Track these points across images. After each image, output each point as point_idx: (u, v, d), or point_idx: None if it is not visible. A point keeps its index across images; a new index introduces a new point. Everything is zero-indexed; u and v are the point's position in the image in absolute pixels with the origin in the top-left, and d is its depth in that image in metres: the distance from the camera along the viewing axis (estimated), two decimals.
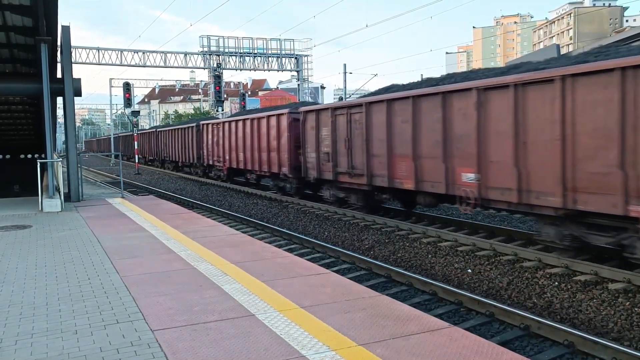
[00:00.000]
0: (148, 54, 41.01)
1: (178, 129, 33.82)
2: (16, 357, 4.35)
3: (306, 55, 43.60)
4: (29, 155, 35.21)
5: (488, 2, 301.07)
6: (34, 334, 4.86)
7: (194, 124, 30.24)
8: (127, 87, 39.20)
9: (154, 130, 42.69)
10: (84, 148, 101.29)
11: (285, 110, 18.52)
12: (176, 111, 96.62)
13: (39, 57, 13.78)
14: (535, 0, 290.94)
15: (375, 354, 4.27)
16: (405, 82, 14.80)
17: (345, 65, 44.08)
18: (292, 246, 12.04)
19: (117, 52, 40.12)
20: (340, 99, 43.41)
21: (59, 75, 16.73)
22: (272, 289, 6.08)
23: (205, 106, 78.41)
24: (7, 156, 35.49)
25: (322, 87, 60.69)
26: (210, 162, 26.89)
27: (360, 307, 5.40)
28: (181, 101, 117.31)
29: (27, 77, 17.79)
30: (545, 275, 8.69)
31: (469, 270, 9.47)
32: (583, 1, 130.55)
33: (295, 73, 45.22)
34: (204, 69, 42.24)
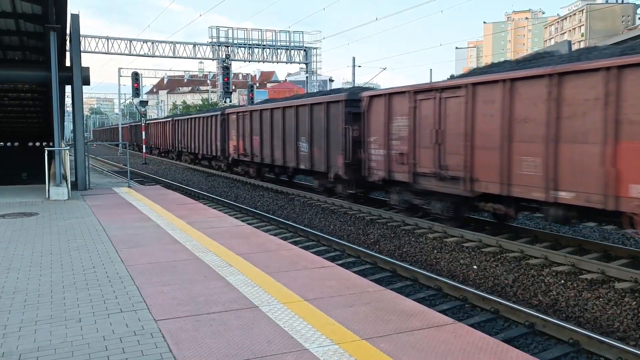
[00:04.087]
0: (157, 44, 40.94)
1: (199, 118, 30.61)
2: (20, 344, 4.36)
3: (315, 48, 43.40)
4: (37, 143, 35.41)
5: None
6: (38, 321, 4.87)
7: (218, 112, 27.26)
8: (135, 77, 39.26)
9: (170, 119, 39.69)
10: (92, 137, 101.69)
11: (342, 96, 15.19)
12: (184, 102, 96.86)
13: (48, 45, 13.79)
14: None
15: (379, 348, 4.24)
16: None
17: (354, 58, 43.89)
18: (298, 239, 12.03)
19: (126, 41, 40.06)
20: None
21: (67, 63, 16.75)
22: (276, 281, 6.06)
23: (214, 97, 78.52)
24: (16, 144, 35.71)
25: (331, 80, 60.33)
26: (237, 157, 24.10)
27: (365, 301, 5.38)
28: (189, 92, 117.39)
29: (36, 64, 17.81)
30: (552, 273, 8.64)
31: (475, 267, 9.42)
32: None
33: (303, 65, 45.07)
34: (213, 60, 42.14)
